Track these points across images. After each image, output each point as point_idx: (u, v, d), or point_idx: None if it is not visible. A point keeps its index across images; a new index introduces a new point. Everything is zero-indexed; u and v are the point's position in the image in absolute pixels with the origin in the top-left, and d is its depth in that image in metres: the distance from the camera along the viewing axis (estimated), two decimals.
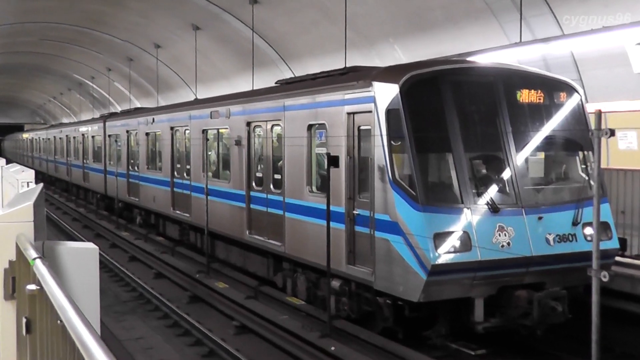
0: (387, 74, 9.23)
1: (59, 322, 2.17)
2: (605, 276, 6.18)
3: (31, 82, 53.16)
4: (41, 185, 5.50)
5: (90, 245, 5.07)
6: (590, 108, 9.96)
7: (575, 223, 9.08)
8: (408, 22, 17.33)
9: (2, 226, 3.85)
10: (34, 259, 3.04)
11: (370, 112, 9.12)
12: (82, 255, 4.75)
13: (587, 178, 9.58)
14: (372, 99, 9.06)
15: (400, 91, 8.66)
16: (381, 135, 8.81)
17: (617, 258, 9.92)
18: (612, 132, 6.13)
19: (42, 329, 2.76)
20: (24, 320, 3.11)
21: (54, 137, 37.87)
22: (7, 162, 12.51)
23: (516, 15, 13.89)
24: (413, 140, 8.54)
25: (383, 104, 8.86)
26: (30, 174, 7.99)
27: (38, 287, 2.76)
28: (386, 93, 8.86)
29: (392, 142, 8.77)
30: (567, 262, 8.89)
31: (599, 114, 6.15)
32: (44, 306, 2.64)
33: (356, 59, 17.79)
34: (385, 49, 18.74)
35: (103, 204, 26.61)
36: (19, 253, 3.73)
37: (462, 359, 9.06)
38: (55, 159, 37.71)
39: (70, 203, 31.35)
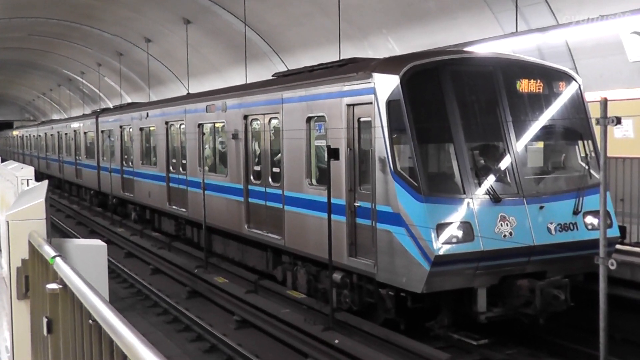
0: (387, 64, 9.19)
1: (90, 321, 2.13)
2: (612, 264, 6.19)
3: (20, 79, 52.77)
4: (46, 182, 5.44)
5: (98, 242, 5.03)
6: (586, 97, 9.98)
7: (576, 212, 9.10)
8: (401, 13, 17.29)
9: (14, 224, 3.80)
10: (54, 257, 3.00)
11: (370, 103, 9.09)
12: (90, 252, 4.72)
13: (586, 167, 9.59)
14: (373, 90, 9.03)
15: (401, 82, 8.64)
16: (382, 126, 8.78)
17: (617, 246, 9.95)
18: (618, 120, 6.11)
19: (66, 328, 2.72)
20: (45, 320, 3.07)
21: (45, 133, 37.64)
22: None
23: (509, 5, 13.89)
24: (414, 131, 8.52)
25: (383, 95, 8.83)
26: (29, 171, 7.91)
27: (61, 286, 2.72)
28: (386, 84, 8.83)
29: (393, 133, 8.75)
30: (569, 251, 8.91)
31: (604, 102, 6.14)
32: (68, 305, 2.60)
33: (349, 51, 17.74)
34: (378, 40, 18.70)
35: (97, 201, 26.49)
36: (33, 251, 3.68)
37: (464, 349, 9.07)
38: (46, 155, 37.50)
39: (63, 200, 31.18)
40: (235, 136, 13.22)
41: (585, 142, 9.70)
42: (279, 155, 11.70)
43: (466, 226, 8.40)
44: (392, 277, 8.83)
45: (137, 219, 21.30)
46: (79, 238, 17.14)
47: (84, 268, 4.54)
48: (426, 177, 8.54)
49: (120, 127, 21.98)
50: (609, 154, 6.92)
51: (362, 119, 9.46)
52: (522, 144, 9.23)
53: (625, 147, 12.51)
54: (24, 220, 3.76)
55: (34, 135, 42.76)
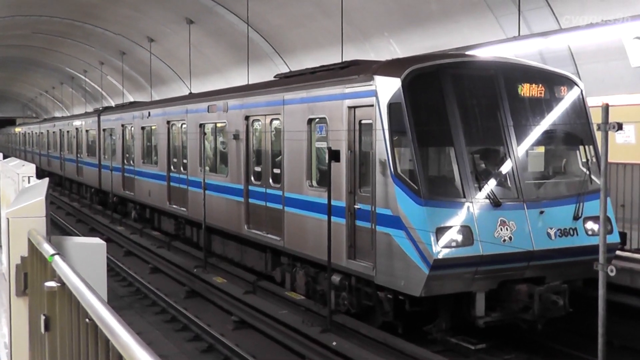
0: (389, 67, 9.20)
1: (87, 320, 2.13)
2: (612, 270, 6.18)
3: (22, 76, 52.81)
4: (47, 179, 5.44)
5: (97, 240, 5.03)
6: (588, 102, 9.97)
7: (576, 217, 9.09)
8: (403, 15, 17.29)
9: (14, 221, 3.80)
10: (52, 255, 3.00)
11: (371, 105, 9.09)
12: (89, 250, 4.71)
13: (587, 172, 9.58)
14: (374, 93, 9.03)
15: (402, 85, 8.64)
16: (383, 129, 8.79)
17: (617, 252, 9.94)
18: (619, 126, 6.11)
19: (63, 326, 2.73)
20: (43, 317, 3.07)
21: (47, 131, 37.68)
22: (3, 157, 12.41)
23: (512, 9, 13.89)
24: (415, 134, 8.52)
25: (385, 97, 8.84)
26: (31, 168, 7.91)
27: (59, 284, 2.72)
28: (388, 87, 8.83)
29: (394, 136, 8.75)
30: (568, 257, 8.91)
31: (606, 107, 6.14)
32: (65, 304, 2.60)
33: (351, 53, 17.76)
34: (380, 42, 18.70)
35: (97, 199, 26.51)
36: (32, 249, 3.68)
37: (462, 354, 9.06)
38: (48, 153, 37.53)
39: (64, 197, 31.20)
40: (236, 137, 13.23)
41: (587, 147, 9.70)
42: (280, 156, 11.71)
43: (466, 230, 8.40)
44: (390, 280, 8.83)
45: (137, 217, 21.30)
46: (78, 236, 17.15)
47: (83, 266, 4.55)
48: (426, 181, 8.54)
49: (122, 125, 22.00)
50: (610, 160, 6.93)
51: (363, 121, 9.46)
52: (523, 149, 9.22)
53: (626, 152, 12.50)
54: (23, 218, 3.77)
55: (36, 133, 42.81)
